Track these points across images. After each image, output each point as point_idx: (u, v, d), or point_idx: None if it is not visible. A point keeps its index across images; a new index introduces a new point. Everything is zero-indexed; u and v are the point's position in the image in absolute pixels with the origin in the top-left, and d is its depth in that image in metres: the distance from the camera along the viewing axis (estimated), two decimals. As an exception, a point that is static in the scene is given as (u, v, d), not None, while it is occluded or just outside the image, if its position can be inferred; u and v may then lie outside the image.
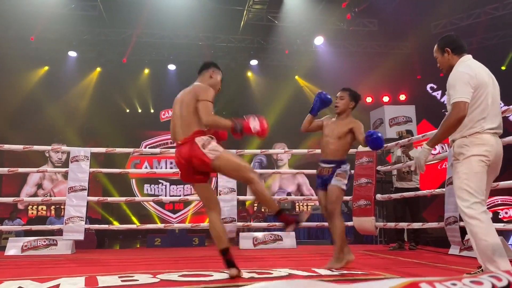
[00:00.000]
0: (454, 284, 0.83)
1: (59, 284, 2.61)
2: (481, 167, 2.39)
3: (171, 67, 11.60)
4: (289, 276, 2.81)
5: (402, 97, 11.76)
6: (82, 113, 11.67)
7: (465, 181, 2.38)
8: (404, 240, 5.42)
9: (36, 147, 5.42)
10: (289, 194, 11.92)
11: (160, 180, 12.11)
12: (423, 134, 4.88)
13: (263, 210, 10.84)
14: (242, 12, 10.28)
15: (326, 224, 4.99)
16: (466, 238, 3.96)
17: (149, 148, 11.94)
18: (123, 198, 7.11)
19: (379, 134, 3.22)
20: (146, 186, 12.09)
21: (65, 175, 5.96)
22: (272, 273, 2.94)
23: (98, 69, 11.60)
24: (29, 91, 11.02)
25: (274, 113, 11.97)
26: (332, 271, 3.05)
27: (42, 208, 11.61)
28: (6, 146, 5.25)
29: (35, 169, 6.04)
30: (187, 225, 7.89)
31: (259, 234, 5.59)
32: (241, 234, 5.77)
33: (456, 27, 10.05)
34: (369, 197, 5.20)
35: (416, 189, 5.27)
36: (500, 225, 3.90)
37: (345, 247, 3.36)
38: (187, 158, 2.74)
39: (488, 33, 10.51)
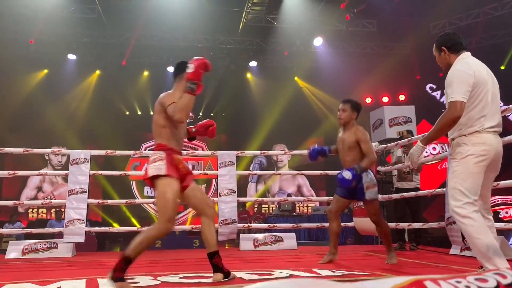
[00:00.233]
0: (459, 282, 0.83)
1: (60, 286, 2.62)
2: (478, 167, 2.38)
3: (171, 69, 11.59)
4: (290, 277, 2.80)
5: (402, 97, 11.76)
6: (81, 115, 11.68)
7: (460, 181, 2.39)
8: (405, 240, 5.41)
9: (36, 150, 5.41)
10: (289, 195, 11.93)
11: (160, 182, 12.09)
12: (423, 134, 4.86)
13: (263, 211, 10.83)
14: (241, 13, 10.28)
15: (326, 225, 4.98)
16: (466, 238, 3.95)
17: (149, 150, 11.91)
18: (124, 201, 7.10)
19: (343, 174, 3.51)
20: (146, 188, 12.08)
21: (65, 178, 5.95)
22: (273, 274, 2.94)
23: (98, 71, 11.61)
24: (29, 94, 11.03)
25: (274, 114, 12.00)
26: (333, 271, 3.05)
27: (42, 211, 11.60)
28: (6, 149, 5.23)
29: (35, 172, 6.05)
30: (187, 227, 7.88)
31: (260, 236, 5.58)
32: (241, 235, 5.75)
33: (455, 27, 10.06)
34: (370, 198, 5.17)
35: (417, 189, 5.27)
36: (500, 225, 3.88)
37: (333, 248, 3.76)
38: None
39: (487, 33, 10.53)
